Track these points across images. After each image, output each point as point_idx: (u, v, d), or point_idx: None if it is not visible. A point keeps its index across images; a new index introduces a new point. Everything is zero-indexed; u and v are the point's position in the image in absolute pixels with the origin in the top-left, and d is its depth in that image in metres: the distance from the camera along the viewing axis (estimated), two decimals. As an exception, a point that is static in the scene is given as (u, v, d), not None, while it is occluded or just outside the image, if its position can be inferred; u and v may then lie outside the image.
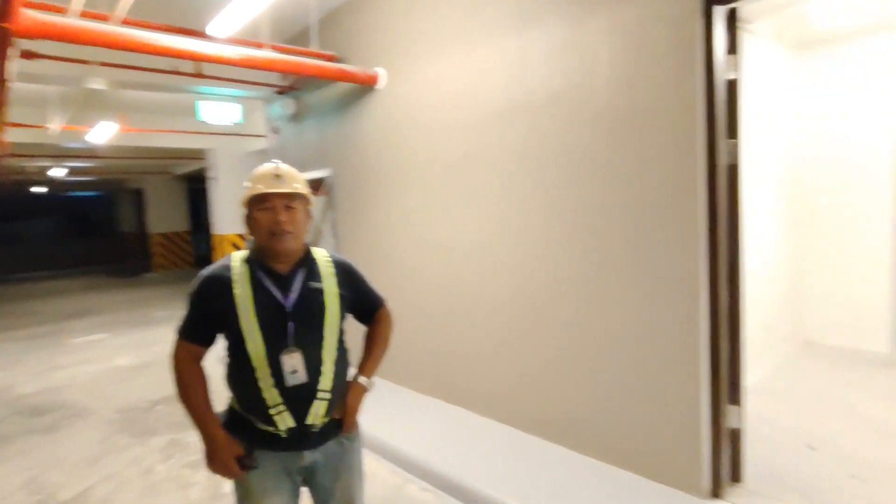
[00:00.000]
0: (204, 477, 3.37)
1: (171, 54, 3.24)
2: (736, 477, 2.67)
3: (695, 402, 2.56)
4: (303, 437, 1.60)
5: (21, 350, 7.10)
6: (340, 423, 1.70)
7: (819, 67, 4.86)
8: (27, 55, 3.50)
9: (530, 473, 2.91)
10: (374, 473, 3.27)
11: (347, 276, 1.75)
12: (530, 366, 3.34)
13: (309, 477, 1.69)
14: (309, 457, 1.64)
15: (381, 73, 4.24)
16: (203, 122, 5.47)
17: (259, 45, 3.87)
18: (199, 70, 4.58)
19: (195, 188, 16.45)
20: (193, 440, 3.93)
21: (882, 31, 4.46)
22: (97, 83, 4.75)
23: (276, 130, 5.84)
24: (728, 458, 2.63)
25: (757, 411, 3.40)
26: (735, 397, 2.63)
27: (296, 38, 5.00)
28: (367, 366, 1.81)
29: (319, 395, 1.60)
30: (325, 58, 4.46)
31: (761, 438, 3.06)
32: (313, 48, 4.50)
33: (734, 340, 2.60)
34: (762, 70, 4.22)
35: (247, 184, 1.65)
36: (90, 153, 9.99)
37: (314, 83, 5.04)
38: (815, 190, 4.98)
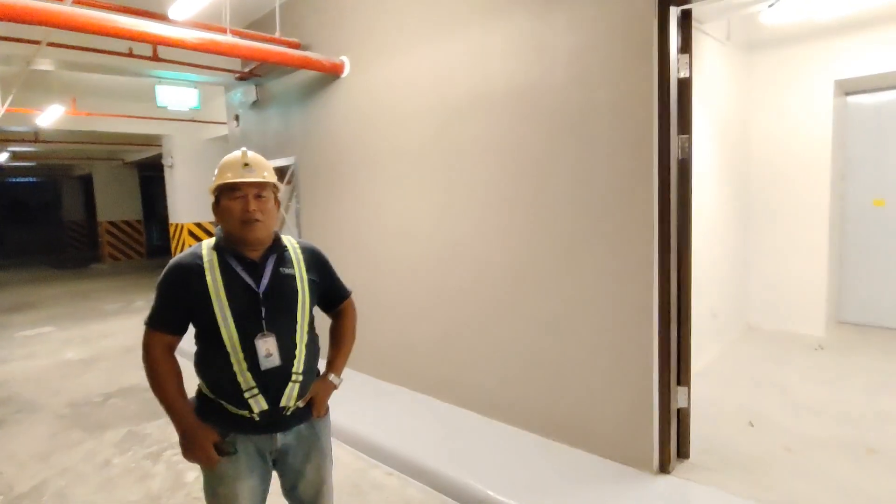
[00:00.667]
0: (164, 468, 3.33)
1: (128, 36, 3.14)
2: (683, 453, 2.85)
3: (646, 383, 2.71)
4: (275, 420, 1.63)
5: (-41, 344, 6.72)
6: (310, 408, 1.73)
7: (766, 68, 5.14)
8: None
9: (490, 454, 3.01)
10: (338, 459, 3.29)
11: (316, 263, 1.77)
12: (490, 351, 3.44)
13: (280, 459, 1.71)
14: (281, 439, 1.66)
15: (346, 62, 4.23)
16: (163, 107, 5.28)
17: (221, 30, 3.80)
18: (156, 53, 4.43)
19: (147, 175, 15.85)
20: (151, 432, 3.86)
21: (826, 34, 4.75)
22: (45, 64, 4.54)
23: (236, 118, 5.72)
24: (675, 435, 2.80)
25: (703, 392, 3.62)
26: (683, 378, 2.79)
27: (257, 24, 4.91)
28: (336, 363, 1.83)
29: (293, 377, 1.62)
30: (288, 44, 4.40)
31: (706, 417, 3.26)
32: (276, 34, 4.43)
33: (683, 325, 2.77)
34: (712, 69, 4.43)
35: (216, 172, 1.66)
36: (34, 137, 9.50)
37: (276, 70, 4.96)
38: (760, 185, 5.28)
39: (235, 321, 1.55)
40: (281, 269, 1.65)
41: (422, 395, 3.92)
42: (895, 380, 3.88)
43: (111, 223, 14.64)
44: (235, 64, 5.29)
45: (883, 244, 5.04)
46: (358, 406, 3.80)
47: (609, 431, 2.87)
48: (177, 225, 9.97)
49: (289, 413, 1.65)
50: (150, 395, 4.97)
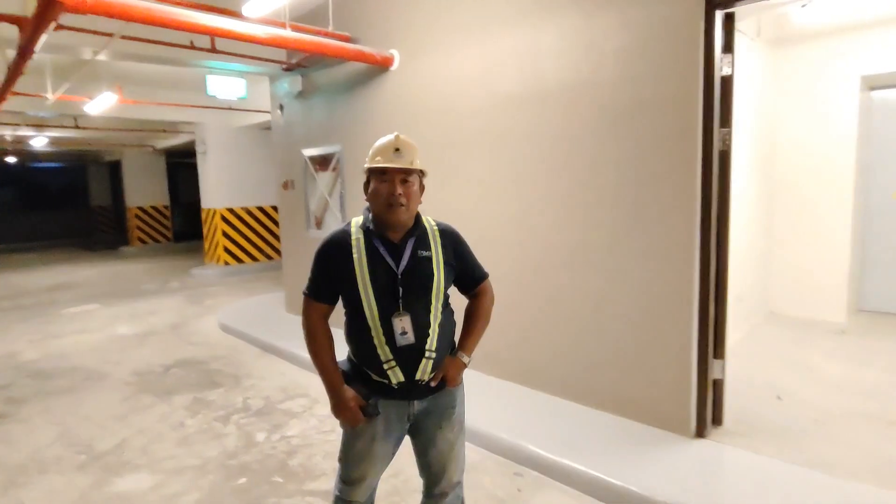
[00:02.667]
0: (234, 429, 3.65)
1: (207, 31, 3.41)
2: (717, 421, 3.11)
3: (686, 355, 2.97)
4: (412, 389, 1.76)
5: (11, 320, 7.11)
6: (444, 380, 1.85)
7: (793, 63, 5.30)
8: (60, 27, 3.59)
9: (540, 422, 3.29)
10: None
11: (453, 245, 1.85)
12: (542, 330, 3.70)
13: (415, 424, 1.84)
14: (418, 406, 1.80)
15: (396, 55, 4.47)
16: (213, 96, 5.56)
17: (281, 25, 4.05)
18: (214, 45, 4.69)
19: (173, 162, 16.22)
20: (215, 399, 4.19)
21: (852, 30, 4.91)
22: (104, 54, 4.82)
23: (281, 107, 5.98)
24: (711, 404, 3.06)
25: (732, 369, 3.85)
26: (719, 352, 3.05)
27: (304, 17, 5.14)
28: (467, 343, 1.89)
29: (426, 354, 1.73)
30: (339, 38, 4.65)
31: (736, 391, 3.51)
32: (329, 28, 4.68)
33: (720, 303, 3.01)
34: (743, 64, 4.61)
35: (369, 153, 1.77)
36: (74, 123, 9.84)
37: (322, 61, 5.21)
38: (785, 176, 5.47)
39: (376, 299, 1.68)
40: (419, 251, 1.75)
41: (474, 372, 4.20)
42: (914, 362, 4.11)
43: (139, 208, 15.06)
44: (281, 55, 5.54)
45: (904, 235, 5.22)
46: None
47: (651, 400, 3.13)
48: (209, 210, 10.31)
49: (423, 384, 1.77)
50: (207, 367, 5.40)
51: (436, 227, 1.84)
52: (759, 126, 5.00)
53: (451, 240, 1.86)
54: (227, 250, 10.29)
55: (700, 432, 3.00)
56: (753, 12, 3.98)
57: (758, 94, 4.94)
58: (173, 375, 4.78)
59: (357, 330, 1.75)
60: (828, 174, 5.22)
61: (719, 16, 2.81)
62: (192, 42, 4.60)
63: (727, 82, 2.91)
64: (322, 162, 5.62)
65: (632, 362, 3.21)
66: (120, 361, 5.21)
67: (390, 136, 1.76)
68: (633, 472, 2.66)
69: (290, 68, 5.53)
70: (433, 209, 4.33)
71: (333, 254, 1.75)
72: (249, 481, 2.98)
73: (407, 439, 1.91)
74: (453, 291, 1.91)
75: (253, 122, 9.39)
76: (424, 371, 1.74)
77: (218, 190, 10.04)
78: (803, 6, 3.96)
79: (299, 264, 6.16)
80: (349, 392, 1.74)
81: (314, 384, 4.40)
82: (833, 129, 5.16)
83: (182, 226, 16.54)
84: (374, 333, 1.70)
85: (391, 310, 1.69)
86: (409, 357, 1.72)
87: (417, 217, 1.80)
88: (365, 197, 1.78)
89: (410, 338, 1.70)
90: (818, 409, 3.35)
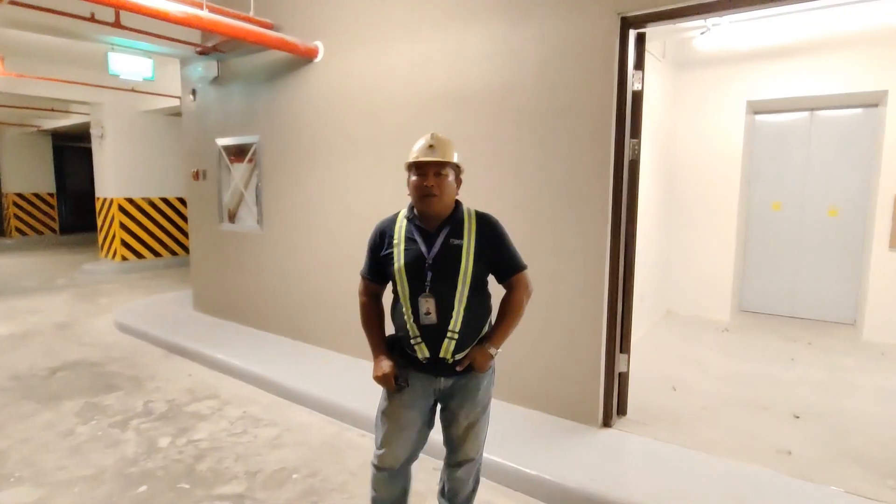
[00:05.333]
0: (134, 435, 3.38)
1: (107, 2, 3.14)
2: (622, 411, 3.34)
3: (595, 350, 3.17)
4: (438, 366, 1.93)
5: None
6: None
7: (692, 84, 5.83)
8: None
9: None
10: (313, 424, 3.52)
11: (488, 234, 1.96)
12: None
13: (441, 400, 2.04)
14: (444, 383, 1.98)
15: (320, 47, 4.37)
16: (115, 75, 5.10)
17: (198, 5, 3.82)
18: (119, 20, 4.32)
19: (62, 146, 14.68)
20: (111, 403, 3.86)
21: (742, 60, 5.49)
22: (-15, 19, 4.28)
23: (193, 92, 5.63)
24: (616, 396, 3.29)
25: (633, 363, 4.16)
26: (625, 347, 3.28)
27: (225, 0, 4.88)
28: (495, 335, 1.99)
29: (449, 334, 1.88)
30: (260, 24, 4.46)
31: (637, 383, 3.79)
32: (251, 13, 4.47)
33: (627, 301, 3.25)
34: (649, 82, 4.99)
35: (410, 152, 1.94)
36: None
37: (242, 47, 4.97)
38: (682, 187, 6.00)
39: (408, 281, 1.89)
40: (451, 239, 1.90)
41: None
42: (783, 354, 4.66)
43: (19, 195, 13.47)
44: (195, 36, 5.21)
45: (777, 243, 5.91)
46: (332, 377, 4.02)
47: (563, 394, 3.30)
48: (104, 199, 9.45)
49: (450, 362, 1.93)
50: (102, 369, 5.04)
51: (474, 217, 1.98)
52: (660, 140, 5.44)
53: (488, 229, 1.98)
54: (125, 244, 9.47)
55: (606, 422, 3.21)
56: (662, 35, 4.35)
57: (661, 110, 5.37)
58: (60, 379, 4.33)
59: (396, 307, 1.97)
60: (718, 187, 5.80)
61: (633, 35, 3.03)
62: (92, 14, 4.20)
63: (637, 97, 3.14)
64: (238, 152, 5.36)
65: (547, 359, 3.36)
66: (-5, 364, 4.65)
67: (427, 135, 1.94)
68: (545, 461, 2.80)
69: (204, 52, 5.22)
70: (357, 201, 4.30)
71: (380, 238, 2.00)
72: (151, 489, 2.78)
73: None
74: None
75: (159, 107, 8.73)
76: (447, 350, 1.89)
77: (116, 178, 9.22)
78: (702, 33, 4.37)
79: (210, 259, 5.83)
80: (385, 361, 1.96)
81: (224, 385, 4.19)
82: (723, 146, 5.73)
83: (71, 217, 15.00)
84: (405, 311, 1.91)
85: (419, 291, 1.88)
86: (433, 336, 1.89)
87: (457, 207, 1.98)
88: (408, 192, 1.96)
89: (433, 318, 1.87)
90: (706, 398, 3.71)
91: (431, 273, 1.88)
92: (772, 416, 3.44)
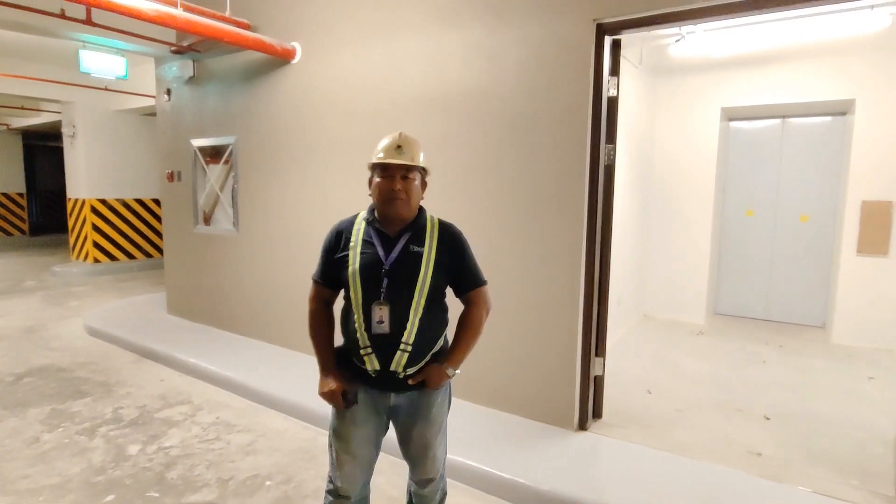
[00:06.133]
0: (102, 442, 3.30)
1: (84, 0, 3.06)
2: (597, 414, 3.36)
3: (571, 354, 3.19)
4: (388, 380, 1.80)
5: None
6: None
7: (668, 91, 5.92)
8: None
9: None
10: (286, 429, 3.48)
11: (451, 245, 1.86)
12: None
13: (393, 417, 1.90)
14: (394, 399, 1.85)
15: (298, 49, 4.33)
16: (86, 73, 4.98)
17: (172, 3, 3.75)
18: (90, 17, 4.22)
19: (32, 145, 14.30)
20: (79, 409, 3.76)
21: (717, 68, 5.59)
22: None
23: (168, 92, 5.53)
24: (592, 399, 3.31)
25: (610, 366, 4.20)
26: (600, 350, 3.31)
27: (200, -1, 4.81)
28: (454, 354, 1.88)
29: (402, 346, 1.76)
30: (237, 24, 4.40)
31: (614, 385, 3.83)
32: (227, 13, 4.41)
33: (602, 305, 3.27)
34: (625, 88, 5.06)
35: (374, 150, 1.82)
36: None
37: (218, 47, 4.90)
38: (657, 193, 6.08)
39: (362, 286, 1.76)
40: (412, 246, 1.79)
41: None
42: (755, 357, 4.75)
43: (-14, 195, 13.09)
44: (170, 35, 5.12)
45: (751, 249, 6.03)
46: (307, 381, 3.96)
47: (539, 397, 3.31)
48: (76, 200, 9.22)
49: (400, 377, 1.79)
50: (70, 375, 4.92)
51: (437, 226, 1.88)
52: (636, 145, 5.51)
53: (450, 240, 1.87)
54: (97, 246, 9.24)
55: (582, 425, 3.22)
56: (637, 42, 4.41)
57: (637, 116, 5.44)
58: (26, 385, 4.20)
59: (347, 315, 1.84)
60: (693, 192, 5.89)
61: (608, 41, 3.06)
62: (63, 10, 4.10)
63: (613, 103, 3.17)
64: (213, 153, 5.28)
65: (522, 362, 3.37)
66: (-43, 370, 4.49)
67: (394, 134, 1.82)
68: (520, 465, 2.80)
69: (179, 51, 5.13)
70: (333, 203, 4.26)
71: (336, 240, 1.86)
72: (119, 498, 2.71)
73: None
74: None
75: (133, 106, 8.56)
76: (399, 363, 1.77)
77: (88, 178, 9.00)
78: (677, 41, 4.43)
79: (184, 262, 5.72)
80: (332, 376, 1.82)
81: (197, 390, 4.11)
82: (698, 152, 5.83)
83: (41, 217, 14.61)
84: (356, 318, 1.78)
85: (373, 298, 1.76)
86: (384, 347, 1.77)
87: (421, 212, 1.87)
88: (369, 192, 1.84)
89: (386, 327, 1.75)
90: (680, 400, 3.76)
91: (388, 280, 1.76)
92: (744, 417, 3.50)
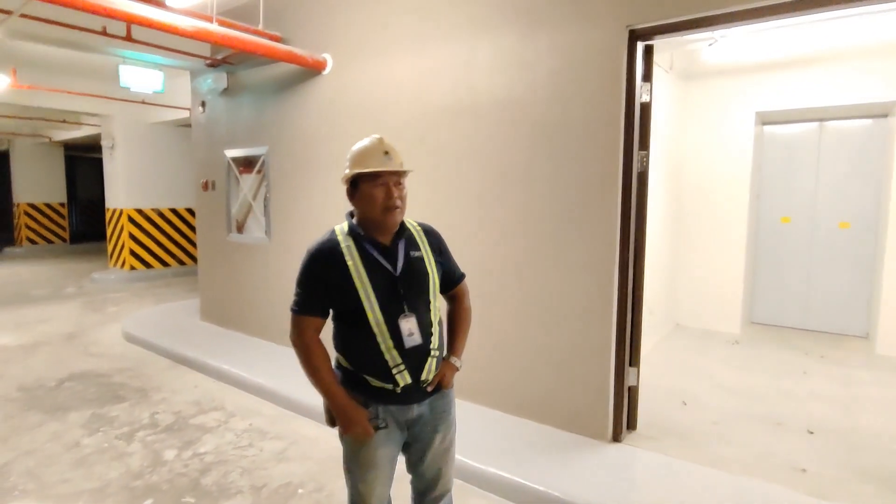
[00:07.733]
0: (140, 447, 3.37)
1: (124, 18, 3.17)
2: (632, 425, 3.29)
3: (604, 364, 3.13)
4: (413, 392, 1.73)
5: None
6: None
7: (700, 96, 5.81)
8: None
9: (466, 430, 3.31)
10: (318, 437, 3.49)
11: (436, 243, 1.87)
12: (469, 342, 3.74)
13: (412, 428, 1.79)
14: (417, 409, 1.76)
15: (329, 60, 4.39)
16: (126, 88, 5.16)
17: (207, 18, 3.86)
18: (130, 34, 4.38)
19: (73, 156, 14.86)
20: (118, 414, 3.85)
21: (751, 71, 5.47)
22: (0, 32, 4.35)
23: (203, 104, 5.68)
24: (626, 410, 3.24)
25: (643, 377, 4.11)
26: (634, 360, 3.24)
27: (232, 13, 4.93)
28: (456, 346, 1.90)
29: (431, 353, 1.74)
30: (269, 37, 4.50)
31: (647, 397, 3.74)
32: (259, 26, 4.52)
33: (636, 313, 3.21)
34: (656, 93, 4.99)
35: (350, 159, 1.73)
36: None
37: (251, 60, 5.02)
38: (690, 200, 5.96)
39: (380, 304, 1.65)
40: (411, 252, 1.76)
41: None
42: (795, 367, 4.59)
43: (30, 205, 13.60)
44: (204, 49, 5.27)
45: (787, 256, 5.85)
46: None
47: (572, 408, 3.26)
48: (114, 210, 9.53)
49: (425, 385, 1.76)
50: (109, 380, 5.00)
51: (419, 227, 1.86)
52: (668, 151, 5.41)
53: (435, 239, 1.89)
54: (133, 254, 9.53)
55: (616, 437, 3.16)
56: (669, 47, 4.34)
57: (668, 122, 5.35)
58: (67, 390, 4.34)
59: (357, 338, 1.70)
60: (726, 198, 5.75)
61: (640, 47, 3.02)
62: (104, 28, 4.26)
63: (646, 109, 3.13)
64: (246, 164, 5.39)
65: (554, 371, 3.32)
66: (3, 375, 4.66)
67: (374, 139, 1.72)
68: (553, 477, 2.75)
69: (214, 64, 5.27)
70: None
71: (324, 264, 1.69)
72: (156, 503, 2.76)
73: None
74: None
75: (169, 119, 8.83)
76: (430, 370, 1.75)
77: (126, 189, 9.30)
78: (710, 45, 4.35)
79: (217, 269, 5.84)
80: (357, 408, 1.69)
81: (230, 397, 4.17)
82: (731, 157, 5.69)
83: (81, 226, 15.13)
84: (380, 339, 1.67)
85: (396, 312, 1.68)
86: (416, 358, 1.71)
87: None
88: (351, 203, 1.75)
89: (417, 338, 1.70)
90: (716, 412, 3.65)
91: (404, 290, 1.68)
92: (785, 431, 3.38)
